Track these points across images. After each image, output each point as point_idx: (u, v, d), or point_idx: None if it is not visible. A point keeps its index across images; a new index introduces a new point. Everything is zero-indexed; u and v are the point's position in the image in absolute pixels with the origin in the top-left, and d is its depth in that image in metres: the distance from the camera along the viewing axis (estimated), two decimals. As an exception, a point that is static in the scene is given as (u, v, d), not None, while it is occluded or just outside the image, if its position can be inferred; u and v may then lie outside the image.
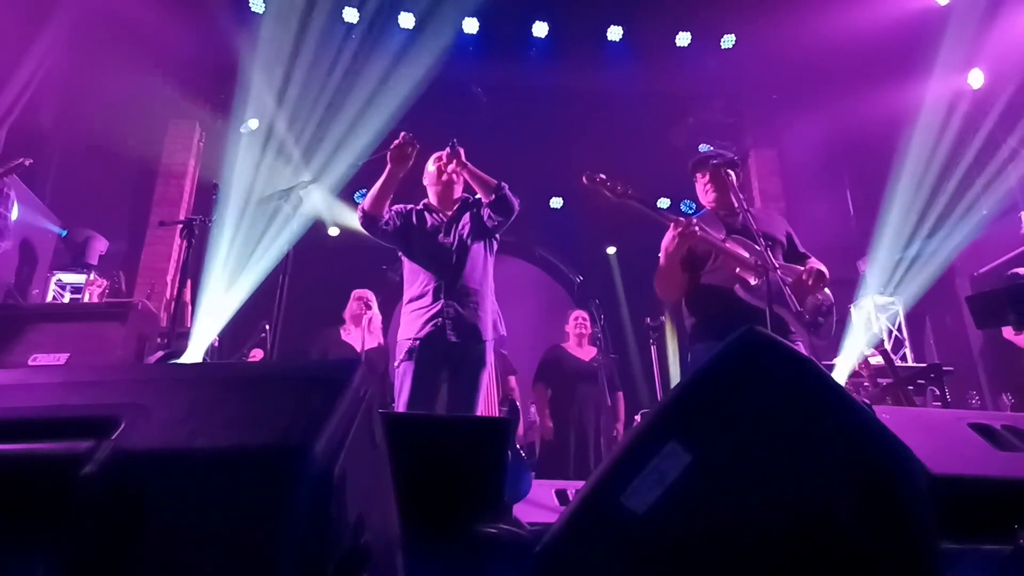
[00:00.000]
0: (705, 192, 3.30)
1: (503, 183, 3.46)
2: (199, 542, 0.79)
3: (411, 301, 3.40)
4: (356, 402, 0.98)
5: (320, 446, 0.85)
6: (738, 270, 2.96)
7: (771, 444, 0.83)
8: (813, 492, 0.86)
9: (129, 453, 0.84)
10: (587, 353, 5.28)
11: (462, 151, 3.45)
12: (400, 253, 3.53)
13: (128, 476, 0.82)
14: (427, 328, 3.26)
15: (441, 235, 3.43)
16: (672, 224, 2.98)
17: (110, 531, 0.79)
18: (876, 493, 0.87)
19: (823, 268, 3.08)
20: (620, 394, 5.52)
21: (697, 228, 2.94)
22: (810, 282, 2.98)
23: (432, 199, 3.58)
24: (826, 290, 3.07)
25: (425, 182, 3.63)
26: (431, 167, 3.58)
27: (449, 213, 3.51)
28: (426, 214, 3.52)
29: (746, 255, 2.96)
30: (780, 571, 0.84)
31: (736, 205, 3.14)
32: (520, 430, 5.29)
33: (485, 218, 3.45)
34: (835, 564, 0.85)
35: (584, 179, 3.14)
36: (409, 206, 3.57)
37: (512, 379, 5.20)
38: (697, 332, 3.09)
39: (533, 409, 5.71)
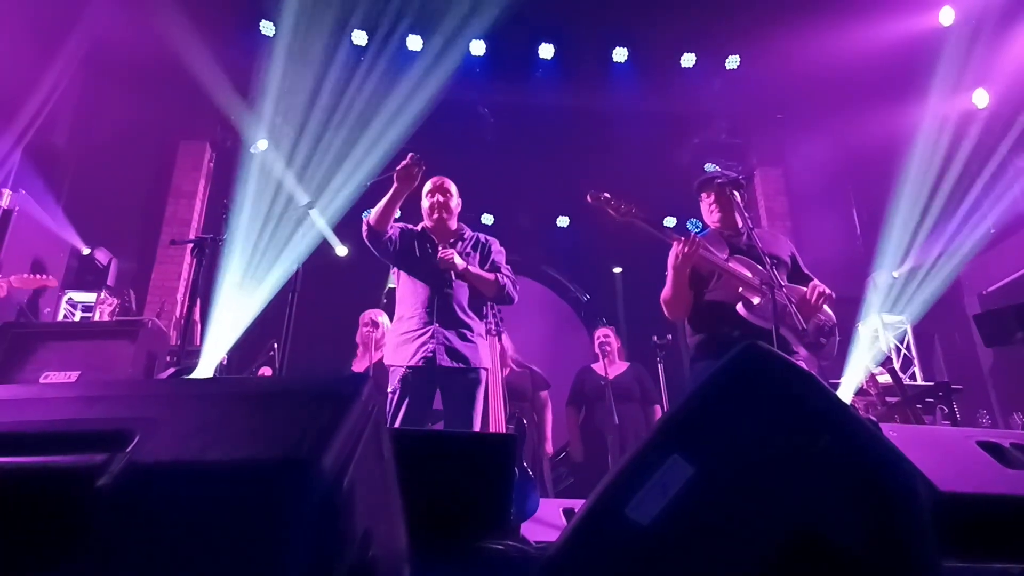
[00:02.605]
0: (710, 212, 3.32)
1: (504, 281, 3.53)
2: (210, 553, 0.80)
3: (401, 321, 3.46)
4: (364, 417, 0.99)
5: (328, 460, 0.86)
6: (740, 289, 2.97)
7: (771, 457, 0.85)
8: (812, 506, 0.86)
9: (143, 466, 0.85)
10: (615, 369, 5.22)
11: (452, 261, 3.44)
12: (398, 270, 3.59)
13: (142, 488, 0.83)
14: (418, 355, 3.31)
15: (436, 263, 3.48)
16: (675, 242, 3.01)
17: (125, 542, 0.81)
18: (875, 508, 0.87)
19: (827, 289, 3.09)
20: (657, 407, 5.39)
21: (699, 246, 2.96)
22: (814, 302, 2.99)
23: (427, 223, 3.66)
24: (828, 310, 3.08)
25: (423, 209, 3.70)
26: (425, 202, 3.65)
27: (444, 237, 3.58)
28: (426, 241, 3.58)
29: (749, 274, 2.97)
30: (783, 584, 0.84)
31: (741, 225, 3.17)
32: (550, 448, 5.26)
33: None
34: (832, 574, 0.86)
35: (588, 198, 3.17)
36: (411, 227, 3.65)
37: (544, 394, 5.18)
38: (699, 351, 3.10)
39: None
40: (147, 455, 0.87)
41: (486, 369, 3.47)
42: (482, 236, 3.75)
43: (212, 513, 0.82)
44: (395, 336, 3.45)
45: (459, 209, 3.72)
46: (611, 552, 0.81)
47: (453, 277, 3.43)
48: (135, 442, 0.89)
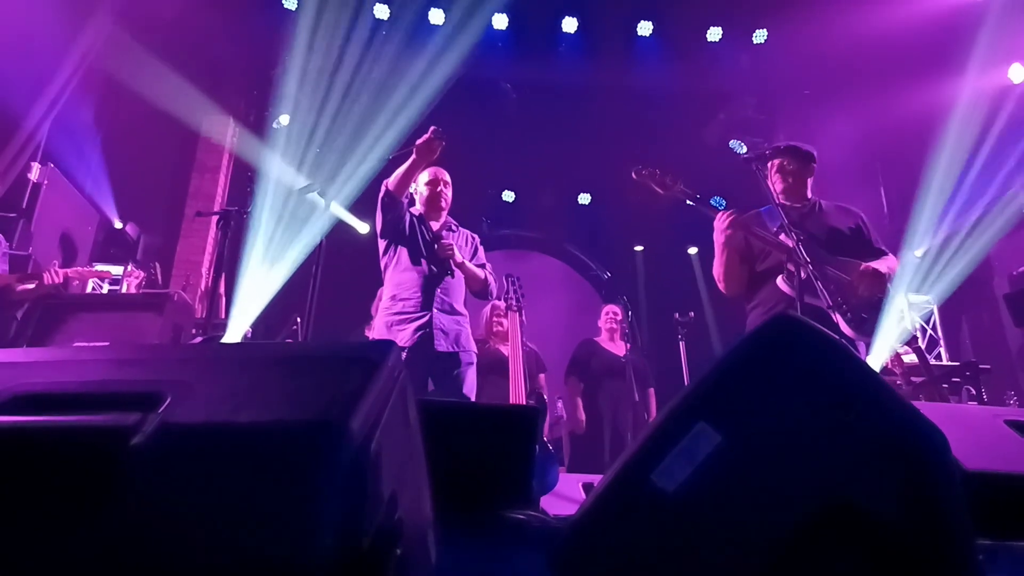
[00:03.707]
0: (775, 183, 3.27)
1: (488, 278, 3.69)
2: (241, 512, 0.82)
3: (395, 301, 3.50)
4: (391, 382, 1.00)
5: (357, 423, 0.87)
6: (788, 264, 2.96)
7: (801, 427, 0.84)
8: (844, 477, 0.86)
9: (175, 426, 0.87)
10: (620, 348, 5.26)
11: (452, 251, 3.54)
12: (395, 251, 3.62)
13: (174, 448, 0.85)
14: (415, 338, 3.36)
15: (436, 249, 3.55)
16: (716, 217, 3.01)
17: (158, 499, 0.82)
18: (909, 479, 0.86)
19: (881, 266, 3.02)
20: (652, 390, 5.47)
21: (741, 220, 2.97)
22: (863, 280, 2.93)
23: (421, 210, 3.71)
24: (889, 286, 3.03)
25: (417, 193, 3.74)
26: (425, 190, 3.69)
27: (437, 227, 3.67)
28: (423, 226, 3.64)
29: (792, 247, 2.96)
30: (808, 554, 0.84)
31: (808, 197, 3.18)
32: (546, 426, 5.29)
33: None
34: (865, 550, 0.85)
35: (633, 174, 3.17)
36: (413, 208, 3.71)
37: (541, 377, 5.21)
38: (750, 324, 3.11)
39: (560, 404, 5.71)
40: (179, 416, 0.89)
41: (475, 352, 3.59)
42: (468, 232, 3.85)
43: (243, 473, 0.84)
44: (387, 315, 3.49)
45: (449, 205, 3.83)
46: (636, 518, 0.81)
47: (451, 266, 3.52)
48: (167, 403, 0.91)
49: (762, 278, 3.08)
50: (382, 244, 3.66)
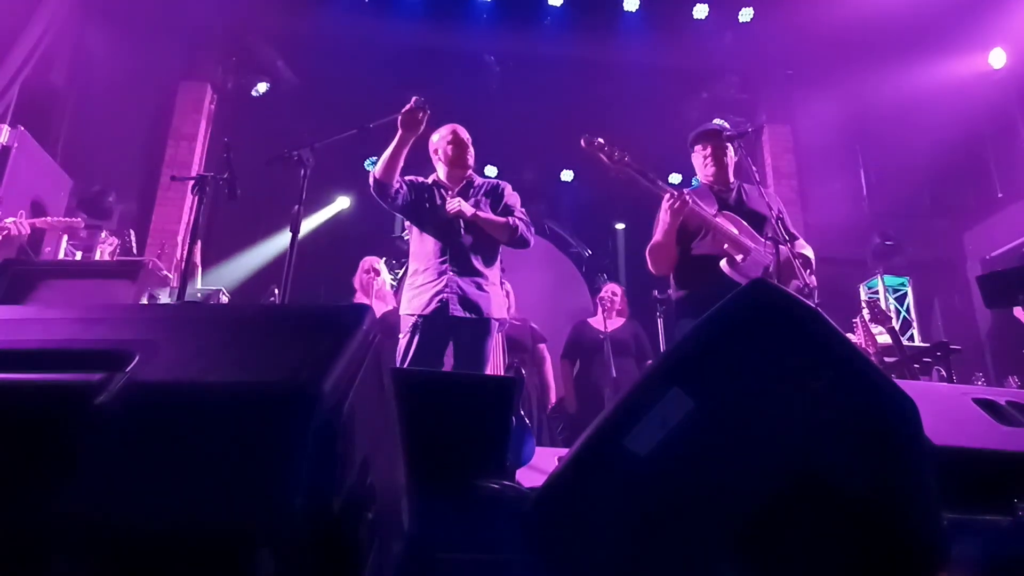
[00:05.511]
0: (704, 165, 3.27)
1: (515, 223, 3.43)
2: (209, 473, 0.81)
3: (415, 274, 3.42)
4: (365, 346, 0.99)
5: (329, 385, 0.86)
6: (726, 246, 2.95)
7: (774, 393, 0.84)
8: (815, 443, 0.86)
9: (142, 385, 0.85)
10: (612, 324, 5.27)
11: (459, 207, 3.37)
12: (409, 224, 3.54)
13: (141, 407, 0.83)
14: (432, 305, 3.27)
15: (444, 211, 3.40)
16: (665, 196, 2.97)
17: (122, 459, 0.81)
18: (880, 446, 0.87)
19: (809, 252, 3.07)
20: (650, 363, 5.49)
21: (690, 200, 2.93)
22: (796, 264, 2.96)
23: (441, 176, 3.57)
24: (808, 276, 3.03)
25: (435, 158, 3.62)
26: (450, 150, 3.52)
27: (458, 190, 3.50)
28: (436, 191, 3.49)
29: (735, 231, 2.96)
30: (778, 519, 0.85)
31: (731, 180, 3.15)
32: (553, 398, 5.33)
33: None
34: (835, 516, 0.86)
35: (582, 142, 3.10)
36: (421, 179, 3.57)
37: (543, 347, 5.22)
38: (683, 307, 3.09)
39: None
40: (147, 375, 0.87)
41: (497, 320, 3.43)
42: (493, 180, 3.67)
43: (212, 434, 0.83)
44: (410, 289, 3.41)
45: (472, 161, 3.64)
46: (607, 480, 0.81)
47: (463, 226, 3.38)
48: (135, 362, 0.89)
49: (697, 260, 3.04)
50: (404, 221, 3.59)
